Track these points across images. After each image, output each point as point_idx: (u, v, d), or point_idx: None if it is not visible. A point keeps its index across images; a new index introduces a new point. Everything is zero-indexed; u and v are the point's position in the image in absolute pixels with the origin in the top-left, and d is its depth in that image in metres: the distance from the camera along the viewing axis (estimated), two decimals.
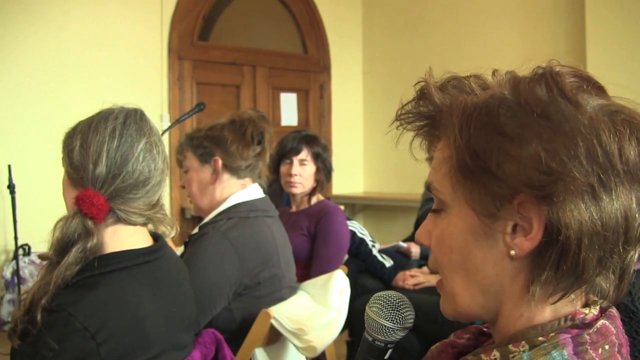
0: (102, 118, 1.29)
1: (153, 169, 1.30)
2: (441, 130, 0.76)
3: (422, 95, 0.77)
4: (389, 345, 0.84)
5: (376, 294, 0.86)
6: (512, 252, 0.69)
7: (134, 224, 1.30)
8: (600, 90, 0.72)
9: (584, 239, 0.65)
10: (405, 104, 0.79)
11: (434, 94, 0.75)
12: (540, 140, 0.66)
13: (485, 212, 0.69)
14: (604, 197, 0.66)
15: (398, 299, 0.84)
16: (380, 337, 0.83)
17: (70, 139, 1.29)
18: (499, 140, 0.67)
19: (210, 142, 2.03)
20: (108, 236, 1.25)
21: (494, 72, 0.76)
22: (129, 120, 1.29)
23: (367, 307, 0.85)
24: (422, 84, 0.77)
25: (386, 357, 0.85)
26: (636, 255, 0.71)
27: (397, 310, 0.83)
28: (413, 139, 0.81)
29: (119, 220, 1.28)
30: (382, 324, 0.83)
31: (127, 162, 1.26)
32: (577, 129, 0.66)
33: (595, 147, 0.65)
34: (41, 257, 1.27)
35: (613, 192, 0.66)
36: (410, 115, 0.78)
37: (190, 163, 2.06)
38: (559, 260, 0.67)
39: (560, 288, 0.69)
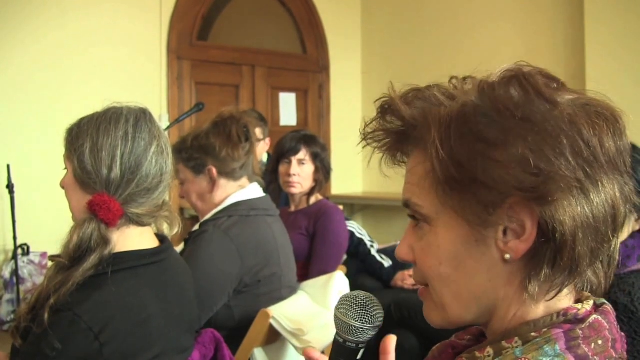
0: (111, 119, 1.26)
1: (165, 171, 1.30)
2: (413, 144, 0.75)
3: (388, 111, 0.76)
4: (360, 346, 0.84)
5: (343, 295, 0.86)
6: (507, 256, 0.69)
7: (144, 225, 1.30)
8: (564, 85, 0.73)
9: (578, 233, 0.66)
10: (369, 122, 0.78)
11: (402, 109, 0.74)
12: (526, 142, 0.66)
13: (478, 220, 0.69)
14: (592, 189, 0.67)
15: (366, 298, 0.84)
16: (350, 337, 0.83)
17: (76, 139, 1.26)
18: (481, 147, 0.67)
19: (199, 152, 2.00)
20: (116, 236, 1.25)
21: (450, 80, 0.75)
22: (141, 123, 1.27)
23: (335, 309, 0.85)
24: (385, 99, 0.76)
25: (358, 357, 0.85)
26: (619, 243, 0.73)
27: (365, 310, 0.82)
28: (382, 157, 0.80)
29: (130, 221, 1.27)
30: (351, 325, 0.82)
31: (141, 166, 1.25)
32: (559, 127, 0.66)
33: (578, 143, 0.66)
34: (52, 259, 1.25)
35: (599, 183, 0.67)
36: (379, 132, 0.77)
37: (185, 176, 2.04)
38: (555, 257, 0.67)
39: (556, 284, 0.69)
